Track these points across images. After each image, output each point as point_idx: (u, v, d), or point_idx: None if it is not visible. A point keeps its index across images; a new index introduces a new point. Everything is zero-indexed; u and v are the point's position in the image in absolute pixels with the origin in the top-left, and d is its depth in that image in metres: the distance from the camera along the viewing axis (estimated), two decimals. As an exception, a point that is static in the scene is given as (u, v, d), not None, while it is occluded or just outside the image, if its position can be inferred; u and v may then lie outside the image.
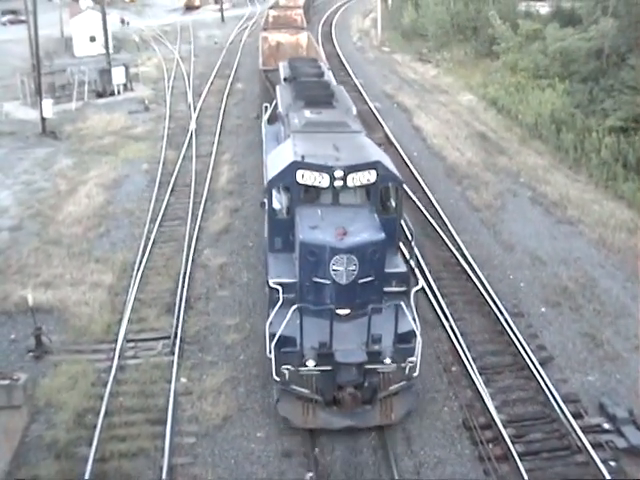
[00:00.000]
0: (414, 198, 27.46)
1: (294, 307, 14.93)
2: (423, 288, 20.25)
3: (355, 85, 45.76)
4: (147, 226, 25.93)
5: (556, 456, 15.42)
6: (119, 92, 47.41)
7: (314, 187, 16.70)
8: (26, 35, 47.33)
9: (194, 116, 40.13)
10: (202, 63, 57.20)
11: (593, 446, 15.23)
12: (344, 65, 52.66)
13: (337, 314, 15.04)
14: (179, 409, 16.70)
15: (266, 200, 17.50)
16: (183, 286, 21.64)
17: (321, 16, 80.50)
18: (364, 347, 14.91)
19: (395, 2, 72.99)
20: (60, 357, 18.63)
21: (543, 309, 20.82)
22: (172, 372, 17.80)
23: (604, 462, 14.88)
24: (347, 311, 15.36)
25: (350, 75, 49.02)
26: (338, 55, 56.70)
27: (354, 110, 22.55)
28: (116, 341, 19.11)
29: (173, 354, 18.56)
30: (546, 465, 15.18)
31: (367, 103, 41.25)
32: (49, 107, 39.58)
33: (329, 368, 14.87)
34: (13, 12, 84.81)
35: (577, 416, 16.22)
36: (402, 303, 15.08)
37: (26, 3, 48.50)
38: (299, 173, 16.56)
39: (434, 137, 35.85)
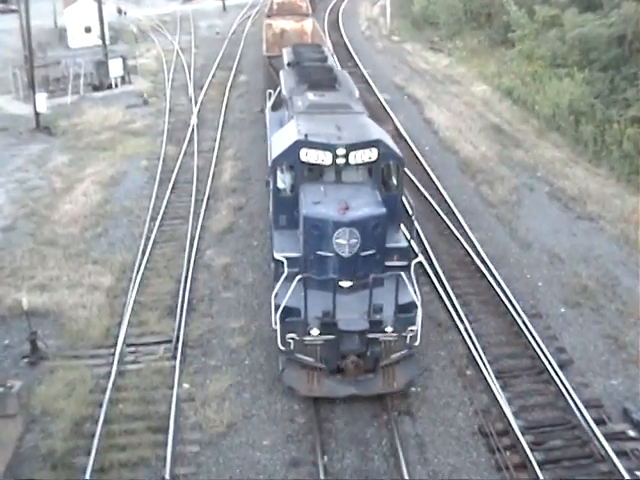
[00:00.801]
0: (426, 194, 27.46)
1: (298, 277, 16.03)
2: (430, 277, 21.50)
3: (363, 76, 45.72)
4: (147, 225, 25.97)
5: (578, 465, 15.34)
6: (116, 85, 47.46)
7: (317, 165, 17.91)
8: (18, 25, 47.41)
9: (195, 110, 40.18)
10: (203, 54, 57.22)
11: (617, 454, 15.14)
12: (352, 55, 52.59)
13: (340, 286, 16.20)
14: (181, 416, 16.71)
15: (271, 179, 18.54)
16: (185, 288, 21.65)
17: (327, 4, 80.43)
18: (366, 316, 15.99)
19: (405, -11, 72.94)
20: (56, 363, 18.64)
21: (562, 309, 20.78)
22: (174, 377, 17.80)
23: (629, 472, 14.80)
24: (350, 283, 16.48)
25: (358, 65, 48.96)
26: (345, 45, 56.62)
27: (357, 93, 23.74)
28: (115, 345, 19.13)
29: (175, 359, 18.57)
30: (567, 474, 15.09)
31: (376, 95, 41.22)
32: (43, 101, 39.64)
33: (332, 337, 15.92)
34: (3, 1, 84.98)
35: (600, 422, 16.12)
36: (403, 274, 16.08)
37: (17, -9, 48.69)
38: (303, 151, 17.75)
39: (446, 130, 35.79)
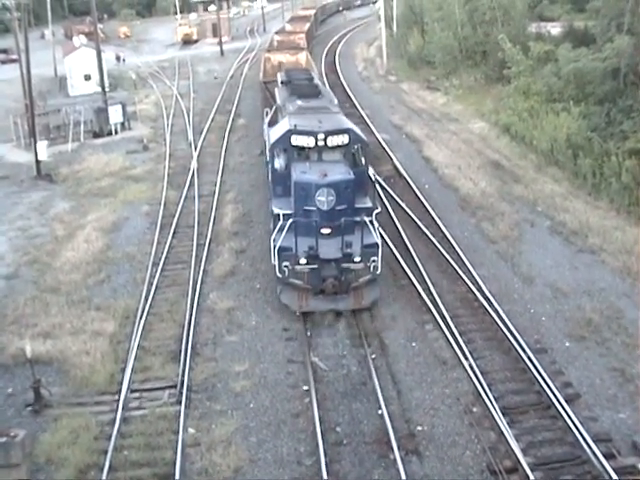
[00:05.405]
0: (427, 232, 27.53)
1: (290, 220, 21.77)
2: (433, 315, 21.61)
3: (362, 116, 46.08)
4: (149, 270, 26.02)
5: (588, 500, 15.21)
6: (116, 132, 47.91)
7: (304, 148, 23.66)
8: (18, 75, 47.95)
9: (195, 154, 40.47)
10: (202, 99, 57.82)
11: (628, 489, 15.02)
12: (349, 96, 53.09)
13: (321, 233, 21.67)
14: (187, 461, 16.60)
15: (269, 160, 24.81)
16: (189, 332, 21.65)
17: (324, 46, 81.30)
18: (340, 250, 21.48)
19: (400, 30, 73.78)
20: (60, 410, 18.57)
21: (567, 344, 20.71)
22: (179, 423, 17.72)
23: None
24: (328, 230, 21.87)
25: (356, 106, 49.40)
26: (343, 85, 57.20)
27: (335, 101, 30.06)
28: (119, 392, 19.07)
29: (180, 404, 18.50)
30: (578, 510, 14.98)
31: (375, 135, 41.45)
32: (44, 149, 40.00)
33: (316, 266, 21.50)
34: (4, 51, 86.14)
35: (609, 457, 15.93)
36: (367, 222, 21.80)
37: (18, 41, 49.28)
38: (293, 137, 23.59)
39: (445, 168, 35.98)
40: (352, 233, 21.79)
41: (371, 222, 22.15)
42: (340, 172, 22.46)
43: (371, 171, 25.08)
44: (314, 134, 23.44)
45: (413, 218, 29.02)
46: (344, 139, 23.71)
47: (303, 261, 21.41)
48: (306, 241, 21.37)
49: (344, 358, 20.45)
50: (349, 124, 24.99)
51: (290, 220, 21.83)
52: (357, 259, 21.49)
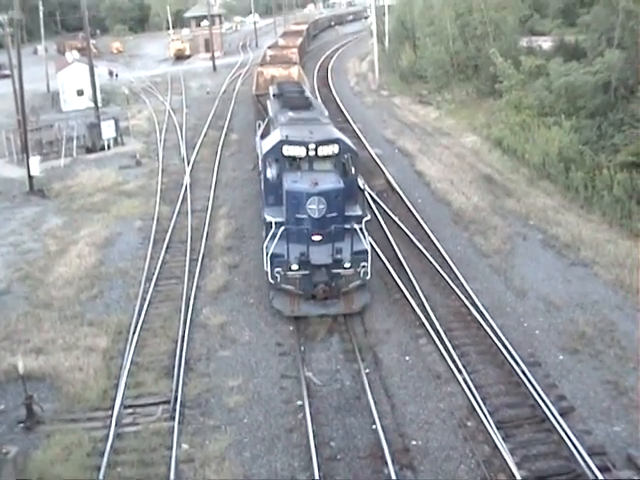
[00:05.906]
0: (420, 246, 27.55)
1: (282, 228, 22.41)
2: (427, 329, 21.10)
3: (354, 131, 46.17)
4: (142, 286, 25.95)
5: (583, 514, 15.19)
6: (109, 147, 47.90)
7: (295, 158, 24.23)
8: (11, 90, 47.95)
9: (188, 170, 40.46)
10: (194, 114, 57.88)
11: (623, 502, 15.00)
12: (342, 111, 53.21)
13: (312, 240, 22.27)
14: (181, 477, 16.51)
15: (262, 170, 25.48)
16: (182, 347, 21.58)
17: (317, 61, 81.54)
18: (330, 256, 22.10)
19: (392, 44, 74.10)
20: (53, 427, 18.46)
21: (561, 357, 20.72)
22: (173, 438, 17.64)
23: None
24: (319, 237, 22.46)
25: (348, 121, 49.51)
26: (335, 100, 57.35)
27: (326, 112, 31.27)
28: (113, 408, 18.97)
29: (173, 419, 18.41)
30: (573, 524, 14.95)
31: (367, 149, 41.55)
32: (36, 164, 39.96)
33: (307, 272, 22.17)
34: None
35: (604, 470, 15.92)
36: (357, 229, 22.57)
37: (10, 57, 49.32)
38: (284, 148, 24.21)
39: (438, 182, 36.06)
40: (342, 240, 22.41)
41: (361, 229, 22.82)
42: (330, 181, 23.07)
43: (360, 180, 25.59)
44: (305, 144, 24.05)
45: (406, 232, 29.05)
46: (334, 149, 24.34)
47: (295, 267, 22.11)
48: (298, 248, 22.07)
49: (338, 373, 20.41)
50: (339, 134, 25.80)
51: (282, 228, 22.49)
52: (347, 265, 22.21)
